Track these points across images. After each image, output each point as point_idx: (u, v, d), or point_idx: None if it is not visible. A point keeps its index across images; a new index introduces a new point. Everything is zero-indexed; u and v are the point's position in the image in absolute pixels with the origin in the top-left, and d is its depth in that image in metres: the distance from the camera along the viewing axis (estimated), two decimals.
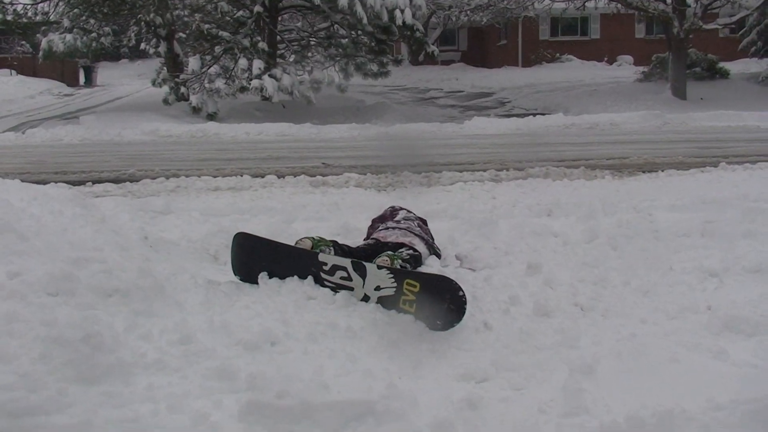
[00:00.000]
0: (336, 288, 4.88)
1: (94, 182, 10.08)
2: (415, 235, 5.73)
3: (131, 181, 10.15)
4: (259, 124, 17.16)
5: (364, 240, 5.98)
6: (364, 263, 4.87)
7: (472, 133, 16.52)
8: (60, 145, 15.06)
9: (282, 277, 4.97)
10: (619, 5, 24.22)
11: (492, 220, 6.94)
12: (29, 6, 23.81)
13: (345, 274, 4.87)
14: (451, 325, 4.59)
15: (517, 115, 20.69)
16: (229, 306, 4.58)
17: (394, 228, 5.83)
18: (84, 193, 8.71)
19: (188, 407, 3.52)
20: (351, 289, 4.85)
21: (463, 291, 4.63)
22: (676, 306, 4.90)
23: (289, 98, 20.22)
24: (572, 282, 5.44)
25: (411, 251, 5.42)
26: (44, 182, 8.40)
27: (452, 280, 4.74)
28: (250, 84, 19.46)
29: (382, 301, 4.76)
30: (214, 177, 10.24)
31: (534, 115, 19.86)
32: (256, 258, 5.11)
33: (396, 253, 5.23)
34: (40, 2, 23.91)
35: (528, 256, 6.01)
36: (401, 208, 6.46)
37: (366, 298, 4.81)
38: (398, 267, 4.96)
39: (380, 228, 5.96)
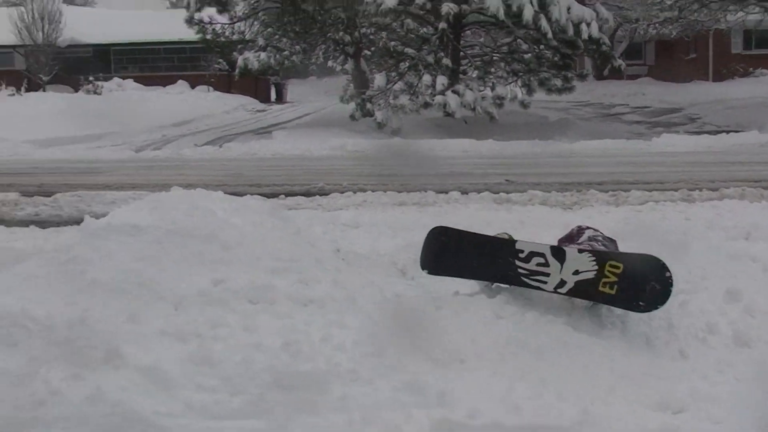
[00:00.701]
0: (529, 275, 4.83)
1: (287, 195, 10.51)
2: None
3: (321, 195, 10.50)
4: (441, 140, 17.31)
5: None
6: (564, 248, 4.82)
7: (661, 151, 15.95)
8: (254, 159, 15.81)
9: (473, 268, 5.04)
10: None
11: (686, 243, 6.66)
12: (227, 26, 25.17)
13: (542, 261, 4.80)
14: (654, 306, 4.47)
15: (709, 132, 19.80)
16: (419, 321, 4.63)
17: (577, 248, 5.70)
18: (278, 206, 9.11)
19: (380, 419, 3.59)
20: (546, 275, 4.78)
21: (670, 272, 4.50)
22: None
23: (472, 114, 20.28)
24: None
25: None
26: (240, 194, 8.74)
27: (658, 259, 4.59)
28: (433, 100, 19.67)
29: (580, 286, 4.67)
30: (399, 192, 10.41)
31: (726, 132, 18.92)
32: (449, 250, 5.19)
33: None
34: (237, 22, 25.23)
35: (726, 281, 5.71)
36: (588, 228, 6.31)
37: (561, 284, 4.73)
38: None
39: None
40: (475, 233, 5.36)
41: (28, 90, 35.06)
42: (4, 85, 35.20)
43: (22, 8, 37.70)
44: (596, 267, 4.65)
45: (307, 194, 10.60)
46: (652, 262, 4.59)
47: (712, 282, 5.76)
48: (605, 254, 4.76)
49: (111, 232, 4.98)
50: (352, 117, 20.87)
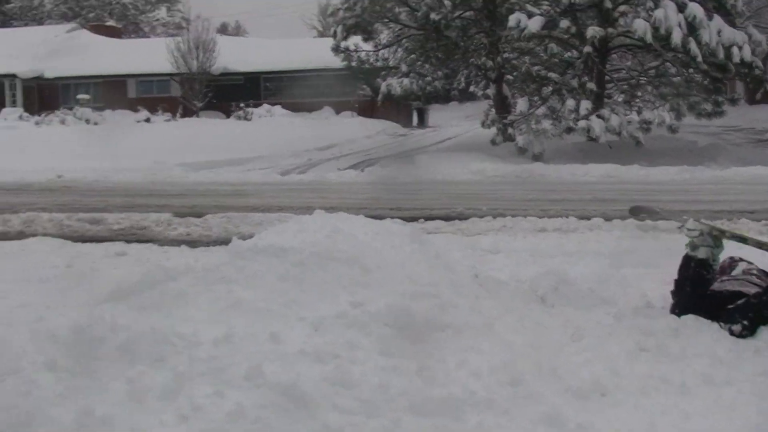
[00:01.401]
0: None
1: (426, 219, 10.56)
2: (754, 284, 5.27)
3: (460, 219, 10.50)
4: (584, 165, 17.01)
5: None
6: None
7: None
8: (395, 183, 16.00)
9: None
10: None
11: None
12: (371, 53, 25.66)
13: None
14: None
15: None
16: (558, 351, 4.55)
17: (729, 280, 5.42)
18: (417, 229, 9.16)
19: None
20: None
21: None
22: None
23: (617, 139, 19.83)
24: None
25: None
26: (380, 217, 8.90)
27: None
28: (576, 124, 19.38)
29: None
30: (540, 218, 10.28)
31: None
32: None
33: None
34: (381, 49, 25.68)
35: None
36: (741, 260, 6.01)
37: None
38: None
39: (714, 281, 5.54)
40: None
41: (183, 116, 36.84)
42: (161, 111, 37.13)
43: (179, 38, 39.73)
44: None
45: (447, 218, 10.61)
46: None
47: None
48: None
49: (257, 253, 5.14)
50: (493, 142, 20.82)
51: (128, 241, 9.24)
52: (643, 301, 5.65)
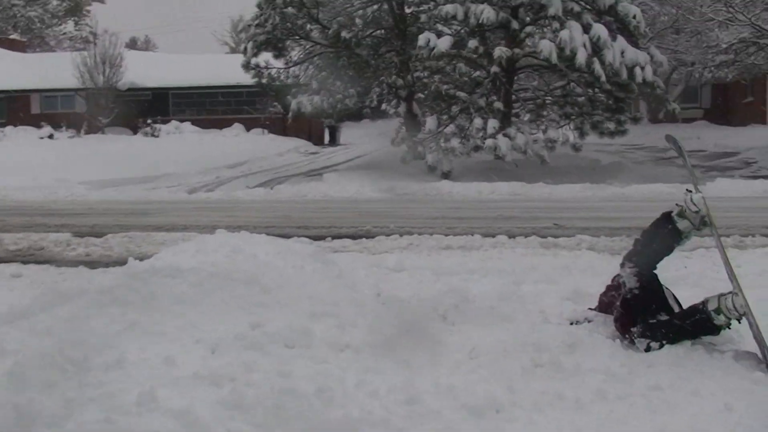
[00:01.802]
0: None
1: (333, 237, 10.54)
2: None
3: (367, 237, 10.52)
4: (491, 183, 17.28)
5: (596, 308, 5.78)
6: None
7: (715, 196, 15.54)
8: (304, 201, 15.96)
9: None
10: None
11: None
12: (282, 70, 25.58)
13: None
14: None
15: (765, 177, 19.41)
16: (455, 368, 4.59)
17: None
18: (323, 248, 9.14)
19: None
20: None
21: None
22: None
23: (523, 157, 20.23)
24: None
25: None
26: (288, 236, 8.88)
27: None
28: (484, 143, 19.67)
29: None
30: (446, 235, 10.38)
31: None
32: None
33: None
34: (292, 66, 25.64)
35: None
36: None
37: None
38: None
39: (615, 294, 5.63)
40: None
41: (88, 132, 35.95)
42: (65, 127, 36.16)
43: (86, 53, 38.78)
44: None
45: (354, 237, 10.62)
46: None
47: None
48: None
49: (153, 274, 5.05)
50: (403, 160, 20.97)
51: (25, 262, 8.96)
52: (541, 318, 5.75)
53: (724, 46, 23.66)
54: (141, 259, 5.96)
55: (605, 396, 4.42)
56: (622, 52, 19.68)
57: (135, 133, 36.77)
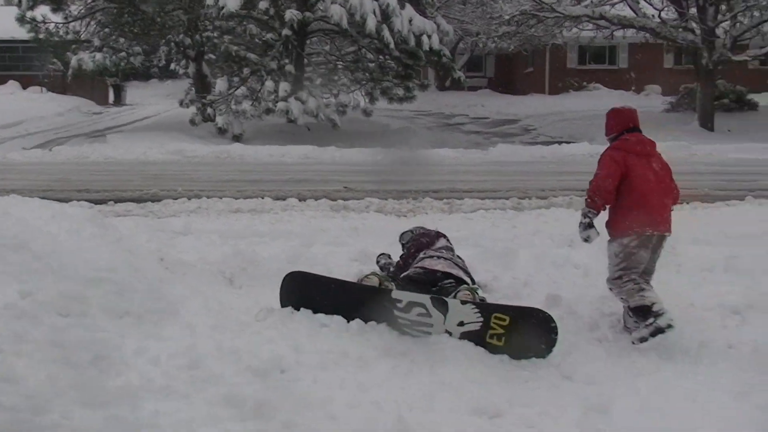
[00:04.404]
0: (412, 325, 4.73)
1: (117, 201, 10.10)
2: (460, 267, 5.55)
3: (153, 201, 10.16)
4: (283, 147, 17.18)
5: (401, 261, 5.90)
6: (446, 299, 4.74)
7: (496, 160, 16.44)
8: (85, 163, 15.15)
9: (348, 316, 4.77)
10: (647, 35, 24.10)
11: (512, 250, 6.86)
12: (61, 25, 24.08)
13: (423, 311, 4.71)
14: (541, 356, 4.57)
15: (542, 143, 20.60)
16: (241, 331, 4.53)
17: (438, 257, 5.65)
18: (105, 213, 8.75)
19: None
20: (429, 326, 4.71)
21: (555, 322, 4.62)
22: (696, 343, 4.78)
23: (315, 121, 20.24)
24: (592, 315, 5.35)
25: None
26: (67, 200, 8.43)
27: (544, 311, 4.71)
28: (276, 106, 19.50)
29: (467, 337, 4.66)
30: (236, 199, 10.23)
31: (559, 143, 19.70)
32: (315, 298, 4.89)
33: (473, 287, 5.16)
34: (72, 21, 24.16)
35: (548, 287, 5.92)
36: (443, 235, 6.30)
37: (447, 335, 4.71)
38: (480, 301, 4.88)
39: (423, 257, 5.73)
40: (340, 280, 5.17)
41: None
42: None
43: None
44: (481, 319, 4.65)
45: (139, 200, 10.23)
46: (538, 315, 4.67)
47: (534, 288, 5.95)
48: (490, 307, 4.75)
49: None
50: (192, 122, 20.40)
51: None
52: None
53: (507, 17, 24.62)
54: None
55: (389, 353, 4.53)
56: (410, 20, 20.09)
57: None
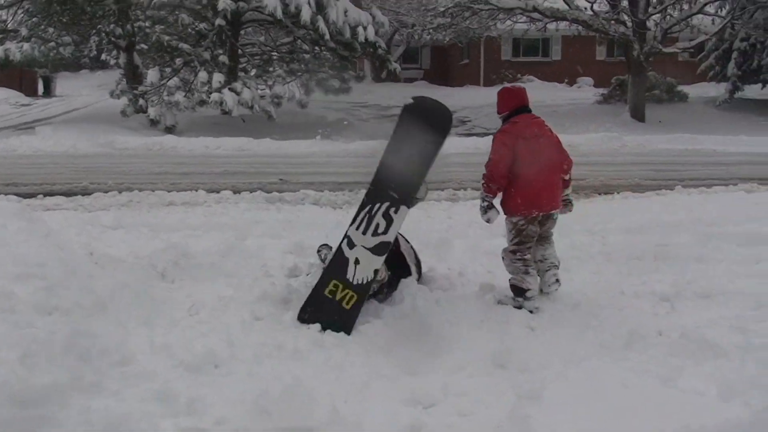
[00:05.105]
0: None
1: (46, 195, 9.87)
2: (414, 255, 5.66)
3: (83, 194, 9.96)
4: (217, 138, 16.96)
5: None
6: None
7: None
8: (13, 156, 14.76)
9: None
10: (580, 27, 24.44)
11: (447, 240, 6.91)
12: None
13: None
14: None
15: (477, 135, 20.71)
16: (173, 326, 4.47)
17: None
18: (34, 207, 8.53)
19: None
20: None
21: None
22: (626, 330, 4.87)
23: (250, 112, 20.05)
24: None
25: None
26: None
27: None
28: (209, 97, 19.26)
29: None
30: (168, 192, 10.09)
31: (494, 134, 19.81)
32: None
33: None
34: None
35: (482, 276, 5.98)
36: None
37: None
38: None
39: None
40: None
41: None
42: None
43: None
44: None
45: (68, 194, 10.01)
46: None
47: (469, 278, 6.00)
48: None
49: None
50: (123, 113, 20.02)
51: None
52: (263, 271, 5.76)
53: (442, 9, 24.72)
54: None
55: (323, 344, 4.52)
56: (346, 12, 20.06)
57: None
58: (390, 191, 4.87)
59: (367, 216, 4.87)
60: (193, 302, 4.87)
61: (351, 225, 4.90)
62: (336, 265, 4.87)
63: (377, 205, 4.87)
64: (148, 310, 4.67)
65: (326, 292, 4.76)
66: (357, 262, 4.81)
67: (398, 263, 5.34)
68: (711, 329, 4.92)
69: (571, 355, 4.51)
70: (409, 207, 4.89)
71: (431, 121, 4.99)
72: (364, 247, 4.82)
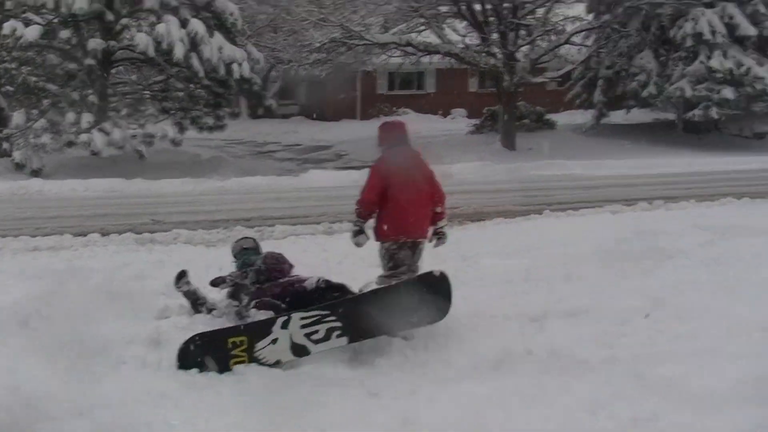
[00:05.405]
0: None
1: None
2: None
3: None
4: (86, 180, 16.42)
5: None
6: None
7: (308, 186, 16.46)
8: None
9: None
10: (452, 60, 25.00)
11: (323, 274, 6.87)
12: None
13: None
14: None
15: (354, 168, 20.82)
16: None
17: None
18: None
19: None
20: None
21: None
22: (497, 351, 4.96)
23: (120, 153, 19.56)
24: None
25: None
26: None
27: None
28: (77, 138, 18.70)
29: None
30: (33, 236, 9.72)
31: (370, 166, 19.95)
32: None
33: None
34: None
35: None
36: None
37: None
38: None
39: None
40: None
41: None
42: None
43: None
44: None
45: None
46: None
47: None
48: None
49: None
50: None
51: None
52: (132, 314, 5.60)
53: (318, 45, 24.85)
54: None
55: (194, 386, 4.42)
56: (220, 49, 19.91)
57: None
58: (355, 324, 4.97)
59: (317, 318, 4.93)
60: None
61: (300, 312, 4.96)
62: (259, 327, 4.93)
63: (332, 320, 4.95)
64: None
65: (231, 339, 4.73)
66: (274, 342, 4.83)
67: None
68: (579, 346, 5.07)
69: (441, 379, 4.57)
70: (349, 342, 4.99)
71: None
72: (291, 337, 4.86)
